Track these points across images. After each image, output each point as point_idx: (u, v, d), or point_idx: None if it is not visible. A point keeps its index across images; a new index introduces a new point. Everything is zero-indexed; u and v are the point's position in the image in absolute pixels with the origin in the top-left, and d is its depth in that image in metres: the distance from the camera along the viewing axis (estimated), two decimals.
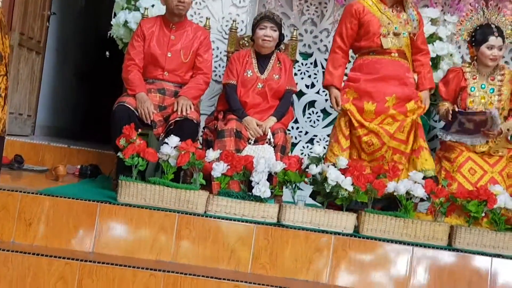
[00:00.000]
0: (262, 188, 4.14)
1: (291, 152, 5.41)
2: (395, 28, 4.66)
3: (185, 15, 4.90)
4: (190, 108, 4.65)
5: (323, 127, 5.83)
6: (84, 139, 6.88)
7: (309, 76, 5.84)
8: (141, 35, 4.82)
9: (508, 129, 4.76)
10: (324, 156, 4.53)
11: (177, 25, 4.86)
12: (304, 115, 5.84)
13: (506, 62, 5.70)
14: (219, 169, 4.18)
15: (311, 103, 5.85)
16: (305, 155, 5.77)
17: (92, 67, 8.49)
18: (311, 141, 5.83)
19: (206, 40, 4.90)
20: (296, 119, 5.76)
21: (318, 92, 5.83)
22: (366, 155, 4.59)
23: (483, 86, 4.82)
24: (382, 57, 4.67)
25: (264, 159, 4.21)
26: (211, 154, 4.23)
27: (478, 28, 4.83)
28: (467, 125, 4.74)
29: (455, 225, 4.22)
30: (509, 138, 4.76)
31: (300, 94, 5.77)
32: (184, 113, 4.61)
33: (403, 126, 4.58)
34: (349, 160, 4.33)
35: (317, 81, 5.83)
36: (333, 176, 4.10)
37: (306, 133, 5.84)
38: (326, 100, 5.78)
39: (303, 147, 5.81)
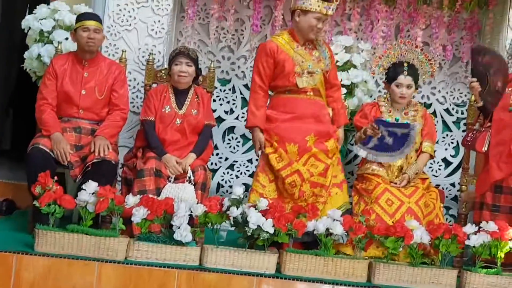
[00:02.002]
0: (183, 233, 4.12)
1: (212, 178, 5.40)
2: (309, 66, 4.71)
3: (98, 50, 4.83)
4: (108, 148, 4.58)
5: (243, 153, 5.85)
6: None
7: (228, 102, 5.84)
8: (53, 74, 4.72)
9: (416, 173, 4.88)
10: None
11: (90, 62, 4.78)
12: (224, 141, 5.84)
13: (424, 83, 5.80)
14: (139, 214, 4.14)
15: (231, 129, 5.85)
16: (225, 181, 5.78)
17: (15, 88, 8.23)
18: (231, 167, 5.84)
19: (121, 75, 4.85)
20: (216, 145, 5.75)
21: (237, 118, 5.84)
22: (288, 195, 4.64)
23: (397, 119, 4.93)
24: (298, 96, 4.73)
25: (184, 203, 4.20)
26: (131, 199, 4.19)
27: (391, 65, 4.93)
28: (387, 140, 4.81)
29: (374, 261, 4.31)
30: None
31: (220, 120, 5.76)
32: (101, 154, 4.54)
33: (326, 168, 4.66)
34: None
35: (235, 107, 5.84)
36: (254, 219, 4.12)
37: (226, 159, 5.84)
38: None
39: (224, 173, 5.81)
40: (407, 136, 4.78)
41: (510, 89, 4.79)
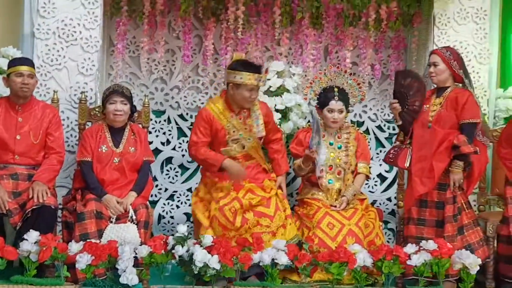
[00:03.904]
0: (129, 276, 4.11)
1: (154, 208, 5.40)
2: (240, 135, 4.86)
3: (31, 94, 4.77)
4: (47, 193, 4.53)
5: (182, 182, 5.86)
6: None
7: (164, 133, 5.84)
8: None
9: (354, 194, 4.99)
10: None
11: (23, 106, 4.72)
12: (162, 172, 5.83)
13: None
14: (83, 260, 4.11)
15: (168, 160, 5.86)
16: (166, 212, 5.78)
17: None
18: (171, 197, 5.84)
19: (55, 118, 4.80)
20: (155, 176, 5.75)
21: (174, 148, 5.85)
22: (230, 223, 4.68)
23: (331, 143, 5.03)
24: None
25: (128, 246, 4.18)
26: (74, 246, 4.16)
27: (322, 91, 5.03)
28: (316, 139, 4.87)
29: (320, 287, 4.38)
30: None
31: (157, 151, 5.76)
32: (40, 200, 4.48)
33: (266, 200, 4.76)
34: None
35: (172, 138, 5.85)
36: (200, 257, 4.14)
37: (166, 190, 5.84)
38: (183, 155, 5.82)
39: (164, 204, 5.81)
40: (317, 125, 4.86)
41: (427, 106, 4.95)
